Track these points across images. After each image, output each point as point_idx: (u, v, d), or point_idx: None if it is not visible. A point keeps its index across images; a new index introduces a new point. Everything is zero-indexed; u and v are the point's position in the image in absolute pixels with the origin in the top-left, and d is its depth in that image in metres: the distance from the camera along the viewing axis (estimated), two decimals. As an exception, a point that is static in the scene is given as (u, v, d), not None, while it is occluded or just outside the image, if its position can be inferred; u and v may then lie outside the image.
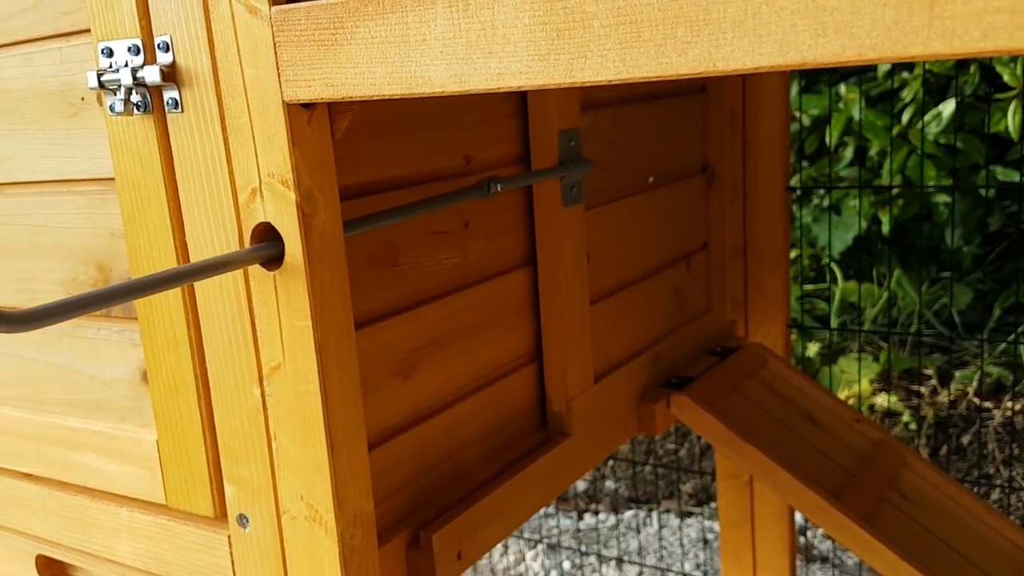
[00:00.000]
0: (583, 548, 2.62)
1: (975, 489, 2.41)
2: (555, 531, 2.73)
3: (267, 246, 0.67)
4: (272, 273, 0.69)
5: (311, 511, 0.72)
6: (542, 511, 2.86)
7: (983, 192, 2.78)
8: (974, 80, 2.72)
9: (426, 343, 0.93)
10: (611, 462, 3.00)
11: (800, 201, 3.29)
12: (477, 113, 0.96)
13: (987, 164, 2.75)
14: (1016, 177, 2.73)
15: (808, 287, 3.17)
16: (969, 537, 1.32)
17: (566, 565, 2.56)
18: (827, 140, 2.70)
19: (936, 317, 2.95)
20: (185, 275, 0.63)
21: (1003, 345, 2.74)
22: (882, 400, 2.65)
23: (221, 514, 0.79)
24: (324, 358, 0.69)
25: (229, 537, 0.79)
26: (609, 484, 2.94)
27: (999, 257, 3.05)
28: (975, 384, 2.67)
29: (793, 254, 3.31)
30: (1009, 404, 2.62)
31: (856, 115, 2.83)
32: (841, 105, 2.84)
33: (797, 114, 3.07)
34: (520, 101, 1.02)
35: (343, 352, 0.71)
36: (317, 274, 0.68)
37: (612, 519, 2.78)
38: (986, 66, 2.71)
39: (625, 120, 1.21)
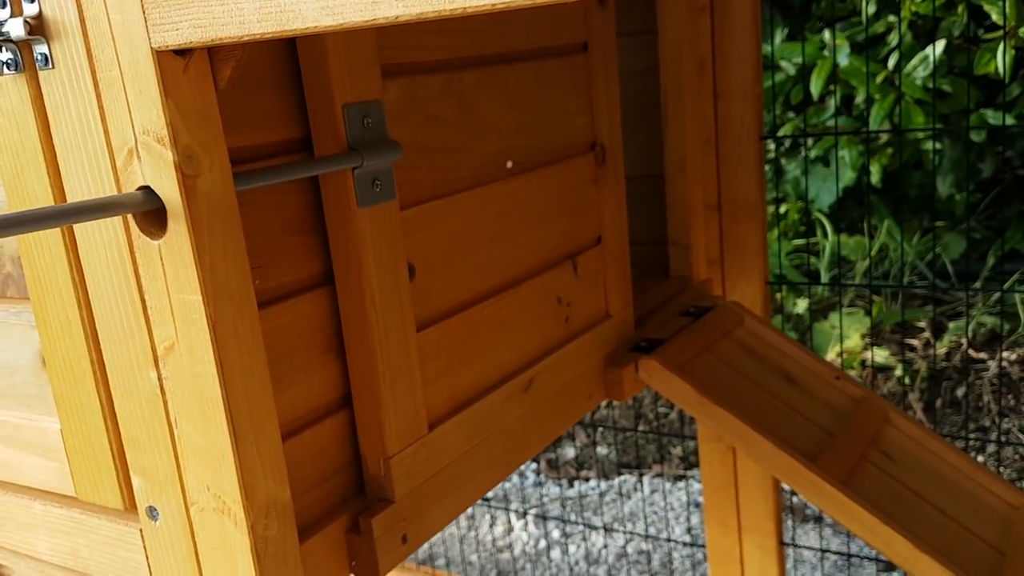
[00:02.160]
0: (572, 516, 2.58)
1: (970, 443, 2.36)
2: (545, 500, 2.69)
3: (143, 195, 0.60)
4: (156, 243, 0.62)
5: (219, 502, 0.66)
6: (532, 480, 2.82)
7: (973, 137, 2.69)
8: (961, 21, 2.62)
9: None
10: (600, 429, 2.95)
11: (788, 154, 3.20)
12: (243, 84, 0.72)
13: (976, 107, 2.67)
14: (1008, 120, 2.65)
15: (798, 242, 3.10)
16: (955, 495, 1.26)
17: (555, 534, 2.52)
18: (811, 89, 2.61)
19: (929, 268, 2.88)
20: (49, 217, 0.56)
21: (997, 294, 2.68)
22: (873, 355, 2.59)
23: (131, 506, 0.73)
24: (220, 335, 0.62)
25: (141, 531, 0.73)
26: (600, 450, 2.89)
27: (992, 204, 2.97)
28: (969, 335, 2.61)
29: (783, 208, 3.23)
30: (1004, 354, 2.56)
31: (842, 62, 2.74)
32: (826, 52, 2.74)
33: (782, 63, 2.98)
34: (295, 66, 0.77)
35: (243, 328, 0.64)
36: (205, 242, 0.61)
37: (603, 485, 2.73)
38: (974, 5, 2.62)
39: (464, 90, 0.94)
